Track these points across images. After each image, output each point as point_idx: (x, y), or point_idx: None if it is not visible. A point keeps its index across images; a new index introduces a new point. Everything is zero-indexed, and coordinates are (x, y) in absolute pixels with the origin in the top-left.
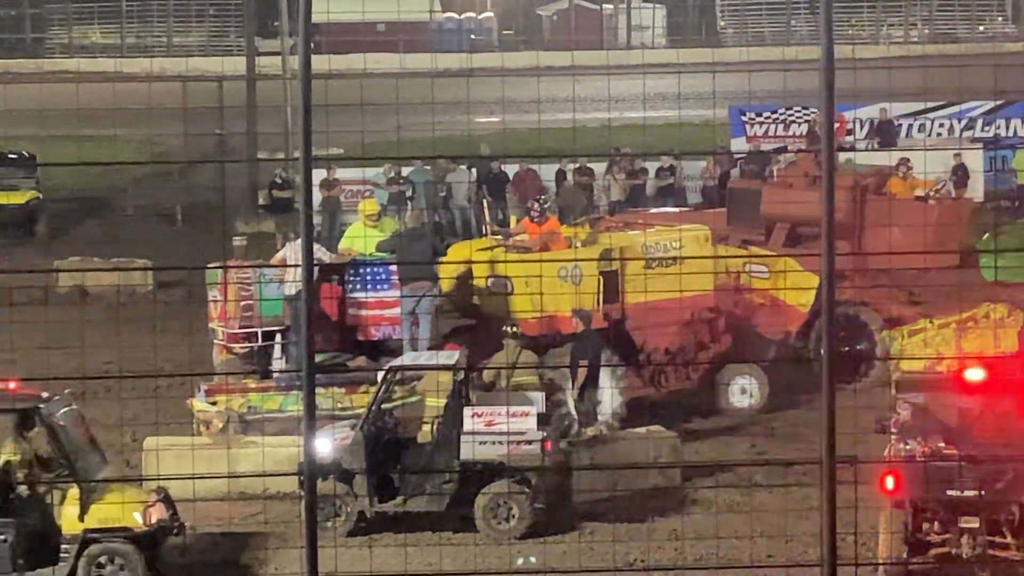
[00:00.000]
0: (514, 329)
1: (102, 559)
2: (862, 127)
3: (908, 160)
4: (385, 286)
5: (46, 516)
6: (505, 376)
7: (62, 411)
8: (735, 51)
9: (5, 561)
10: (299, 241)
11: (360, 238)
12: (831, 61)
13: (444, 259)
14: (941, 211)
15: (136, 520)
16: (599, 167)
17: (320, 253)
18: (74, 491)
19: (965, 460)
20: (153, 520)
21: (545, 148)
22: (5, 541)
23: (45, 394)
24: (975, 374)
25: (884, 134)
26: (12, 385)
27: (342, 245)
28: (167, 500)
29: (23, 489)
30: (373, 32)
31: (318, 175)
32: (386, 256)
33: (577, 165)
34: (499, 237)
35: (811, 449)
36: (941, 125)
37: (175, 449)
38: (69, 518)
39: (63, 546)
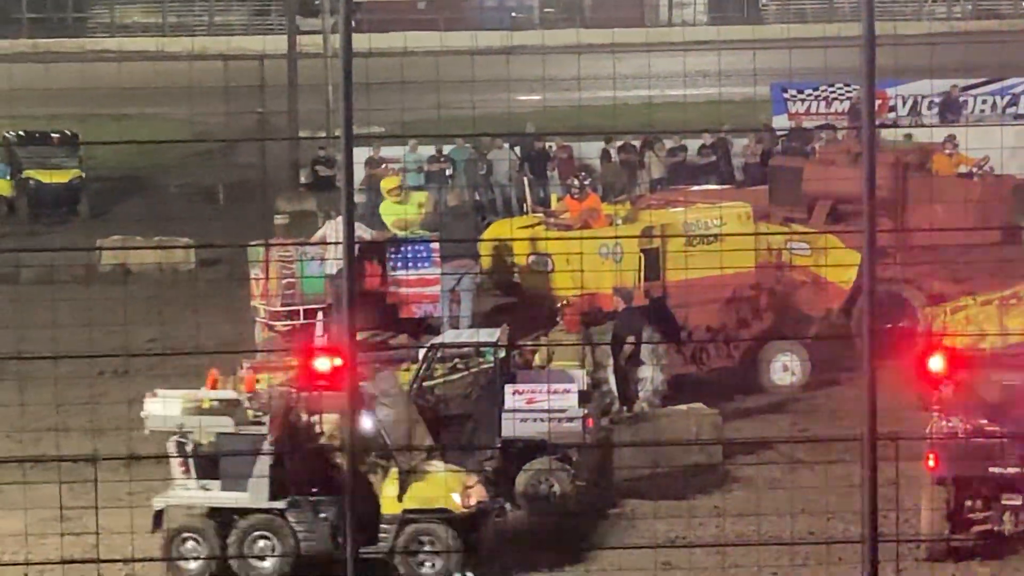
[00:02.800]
0: (567, 303)
1: (420, 539)
2: (931, 105)
3: (955, 137)
4: (426, 264)
5: (368, 495)
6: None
7: (385, 389)
8: (776, 28)
9: (326, 538)
10: (339, 219)
11: (391, 216)
12: (872, 37)
13: (484, 237)
14: (984, 188)
15: (455, 502)
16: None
17: (361, 231)
18: (395, 471)
19: (1008, 437)
20: (472, 502)
21: (586, 126)
22: (326, 519)
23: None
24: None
25: (950, 111)
26: (337, 361)
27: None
28: (488, 482)
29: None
30: (414, 10)
31: (361, 153)
32: (427, 234)
33: (621, 143)
34: (540, 215)
35: (852, 426)
36: (984, 102)
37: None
38: (389, 498)
39: (382, 525)
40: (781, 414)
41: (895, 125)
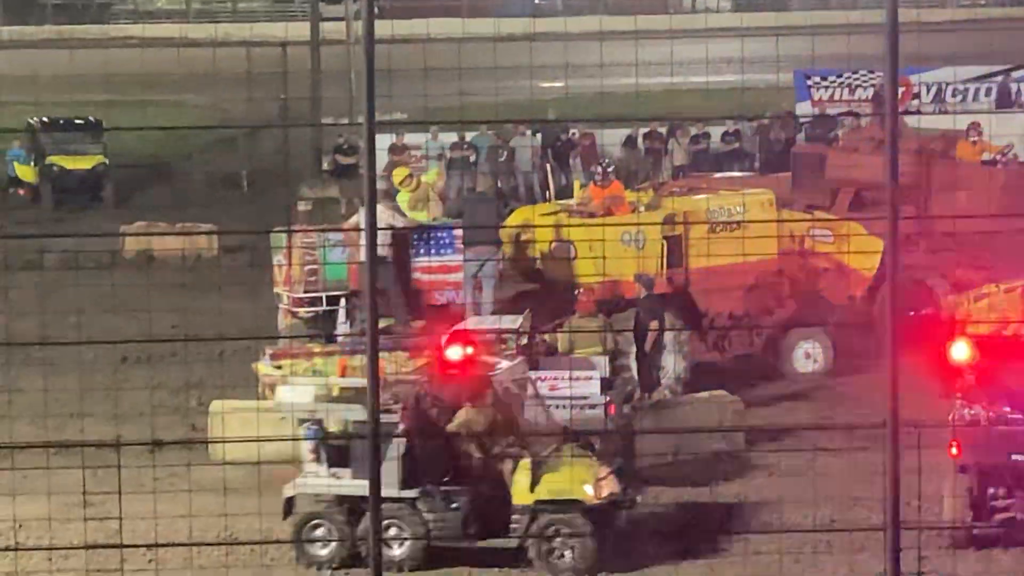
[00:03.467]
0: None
1: (551, 531)
2: (988, 92)
3: (979, 124)
4: (448, 251)
5: (499, 486)
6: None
7: (516, 378)
8: (800, 15)
9: (456, 528)
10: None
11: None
12: (896, 24)
13: (506, 223)
14: (1008, 175)
15: (586, 493)
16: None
17: (393, 219)
18: (526, 461)
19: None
20: (604, 493)
21: (609, 113)
22: (457, 509)
23: (498, 361)
24: None
25: (1002, 98)
26: (468, 351)
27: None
28: (620, 473)
29: (477, 457)
30: None
31: (384, 140)
32: (451, 221)
33: (647, 130)
34: (563, 201)
35: (875, 414)
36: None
37: (240, 413)
38: (520, 488)
39: (513, 516)
40: (803, 401)
41: (919, 112)
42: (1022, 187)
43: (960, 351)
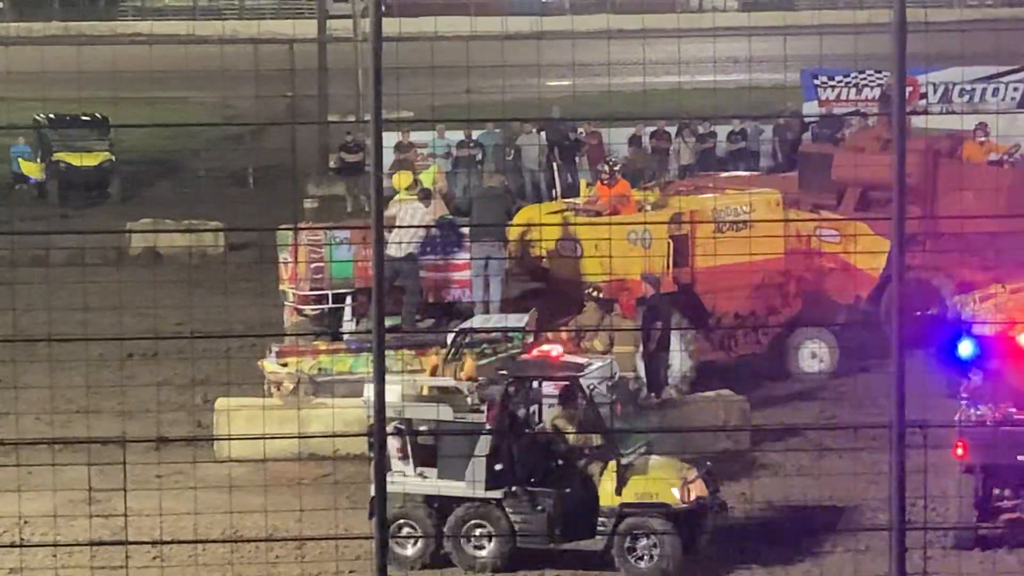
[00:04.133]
0: (597, 292)
1: (637, 534)
2: (995, 92)
3: (986, 125)
4: (455, 249)
5: (587, 488)
6: (588, 338)
7: (604, 380)
8: (807, 14)
9: (542, 531)
10: (412, 204)
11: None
12: (903, 24)
13: (512, 222)
14: (1015, 176)
15: (674, 496)
16: (670, 131)
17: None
18: (613, 463)
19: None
20: (692, 497)
21: (616, 112)
22: (543, 511)
23: (587, 362)
24: None
25: None
26: (555, 351)
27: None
28: (710, 477)
29: (565, 460)
30: None
31: (390, 138)
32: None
33: (654, 128)
34: (569, 201)
35: (881, 414)
36: (1015, 89)
37: (246, 410)
38: (607, 491)
39: (600, 519)
40: (809, 401)
41: (926, 112)
42: None
43: (966, 351)
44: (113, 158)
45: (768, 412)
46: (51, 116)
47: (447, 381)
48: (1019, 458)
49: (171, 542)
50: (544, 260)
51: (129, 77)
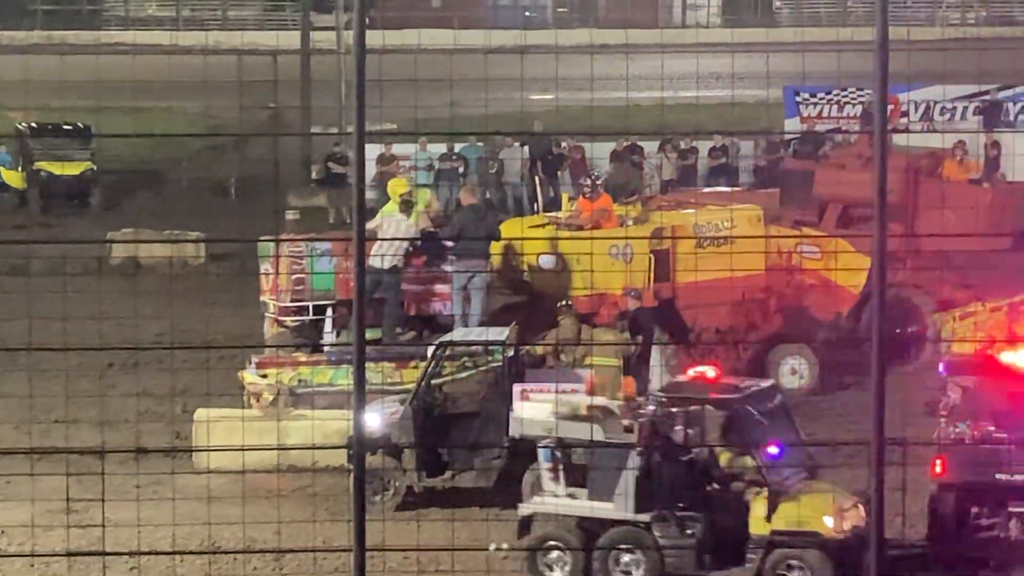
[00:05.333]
0: (568, 304)
1: (788, 564)
2: (976, 111)
3: (965, 143)
4: (438, 261)
5: (737, 514)
6: (567, 353)
7: (767, 404)
8: (790, 31)
9: (690, 557)
10: (395, 215)
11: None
12: (886, 42)
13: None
14: (995, 194)
15: (827, 525)
16: (650, 146)
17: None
18: (764, 489)
19: (1014, 444)
20: (846, 527)
21: (598, 126)
22: (692, 536)
23: (745, 384)
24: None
25: (990, 116)
26: (711, 373)
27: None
28: (867, 506)
29: (717, 485)
30: (428, 8)
31: (373, 150)
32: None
33: (629, 143)
34: (551, 215)
35: (860, 430)
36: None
37: (225, 421)
38: (757, 518)
39: (749, 547)
40: None
41: (907, 130)
42: (1009, 206)
43: (945, 369)
44: (94, 167)
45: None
46: (33, 125)
47: (600, 400)
48: (997, 476)
49: (149, 553)
50: (525, 274)
51: (112, 86)
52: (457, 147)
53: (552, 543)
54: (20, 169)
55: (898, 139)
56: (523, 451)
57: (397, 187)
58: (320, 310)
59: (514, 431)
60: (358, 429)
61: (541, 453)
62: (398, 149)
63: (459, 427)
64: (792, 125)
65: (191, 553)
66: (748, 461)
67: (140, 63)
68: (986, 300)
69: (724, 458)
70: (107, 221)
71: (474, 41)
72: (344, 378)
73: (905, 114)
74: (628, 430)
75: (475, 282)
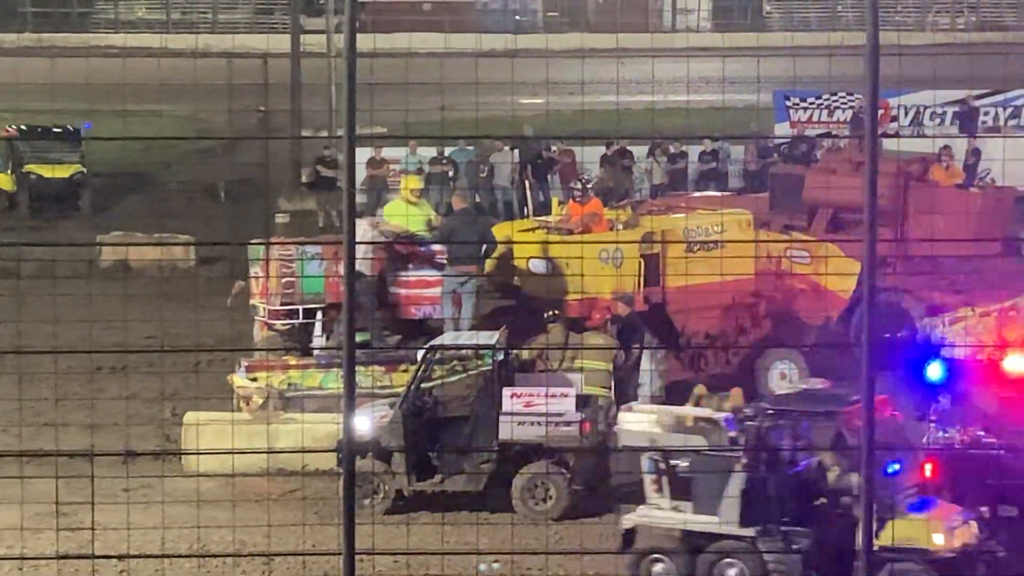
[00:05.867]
0: (555, 313)
1: None
2: (932, 116)
3: (950, 148)
4: (427, 266)
5: (845, 529)
6: (555, 358)
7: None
8: (780, 36)
9: (796, 572)
10: (367, 219)
11: (400, 216)
12: (876, 47)
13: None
14: (984, 199)
15: (936, 542)
16: (640, 150)
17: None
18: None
19: (1005, 448)
20: (956, 544)
21: (589, 130)
22: (798, 551)
23: (856, 396)
24: (1016, 363)
25: (965, 121)
26: (822, 384)
27: (380, 221)
28: (982, 522)
29: (824, 499)
30: (419, 11)
31: (363, 154)
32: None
33: (618, 147)
34: (541, 219)
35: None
36: (986, 113)
37: (215, 424)
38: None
39: (856, 563)
40: None
41: (897, 135)
42: (998, 211)
43: (935, 374)
44: (84, 170)
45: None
46: (23, 127)
47: (705, 411)
48: (987, 482)
49: (138, 556)
50: (515, 278)
51: (101, 89)
52: (447, 151)
53: (655, 555)
54: (9, 172)
55: (888, 144)
56: (512, 455)
57: (410, 182)
58: (310, 313)
59: (624, 441)
60: (348, 433)
61: (645, 464)
62: (388, 153)
63: (449, 431)
64: (782, 130)
65: (180, 556)
66: (856, 476)
67: (130, 66)
68: (976, 305)
69: (833, 472)
70: (97, 224)
71: (464, 45)
72: (334, 381)
73: (895, 119)
74: (734, 442)
75: (466, 286)
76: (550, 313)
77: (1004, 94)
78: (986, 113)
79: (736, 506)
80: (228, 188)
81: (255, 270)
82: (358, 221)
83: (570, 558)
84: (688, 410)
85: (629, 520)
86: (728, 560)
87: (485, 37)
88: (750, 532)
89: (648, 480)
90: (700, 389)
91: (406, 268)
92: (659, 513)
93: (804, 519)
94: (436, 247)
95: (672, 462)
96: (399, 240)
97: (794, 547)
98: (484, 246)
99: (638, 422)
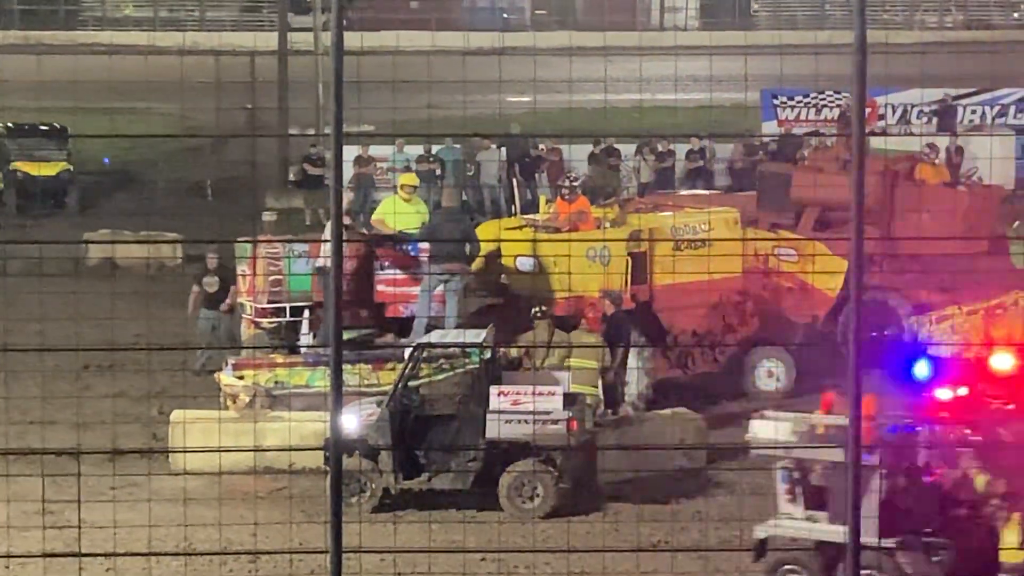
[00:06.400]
0: (542, 310)
1: None
2: (919, 115)
3: (935, 145)
4: (403, 267)
5: (989, 540)
6: (539, 356)
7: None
8: (768, 34)
9: None
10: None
11: (392, 214)
12: (864, 45)
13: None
14: (971, 198)
15: None
16: (628, 148)
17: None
18: (1017, 516)
19: (991, 446)
20: None
21: (576, 129)
22: (940, 562)
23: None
24: (1002, 362)
25: (945, 118)
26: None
27: (374, 218)
28: None
29: (966, 510)
30: (406, 9)
31: (350, 152)
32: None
33: (605, 146)
34: (528, 217)
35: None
36: (973, 112)
37: (202, 422)
38: (1009, 545)
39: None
40: None
41: (884, 133)
42: (985, 209)
43: (922, 373)
44: (71, 168)
45: (724, 430)
46: (9, 125)
47: (840, 420)
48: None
49: (125, 554)
50: (503, 276)
51: (89, 87)
52: (434, 149)
53: (789, 568)
54: None
55: (875, 142)
56: (498, 454)
57: (405, 179)
58: (297, 312)
59: (757, 450)
60: (335, 431)
61: (778, 474)
62: (375, 151)
63: (436, 429)
64: (769, 128)
65: (167, 555)
66: (1002, 485)
67: (117, 64)
68: (963, 304)
69: (980, 481)
70: (84, 222)
71: (452, 43)
72: (321, 380)
73: (883, 117)
74: (870, 451)
75: (451, 284)
76: (537, 310)
77: (991, 92)
78: (973, 112)
79: (874, 517)
80: (215, 186)
81: (242, 268)
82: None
83: (557, 556)
84: (823, 418)
85: (762, 530)
86: (866, 571)
87: (473, 35)
88: (889, 543)
89: (781, 490)
90: (830, 396)
91: (382, 267)
92: (792, 524)
93: (945, 529)
94: (423, 244)
95: (806, 471)
96: (384, 238)
97: (934, 559)
98: (468, 245)
99: (771, 430)
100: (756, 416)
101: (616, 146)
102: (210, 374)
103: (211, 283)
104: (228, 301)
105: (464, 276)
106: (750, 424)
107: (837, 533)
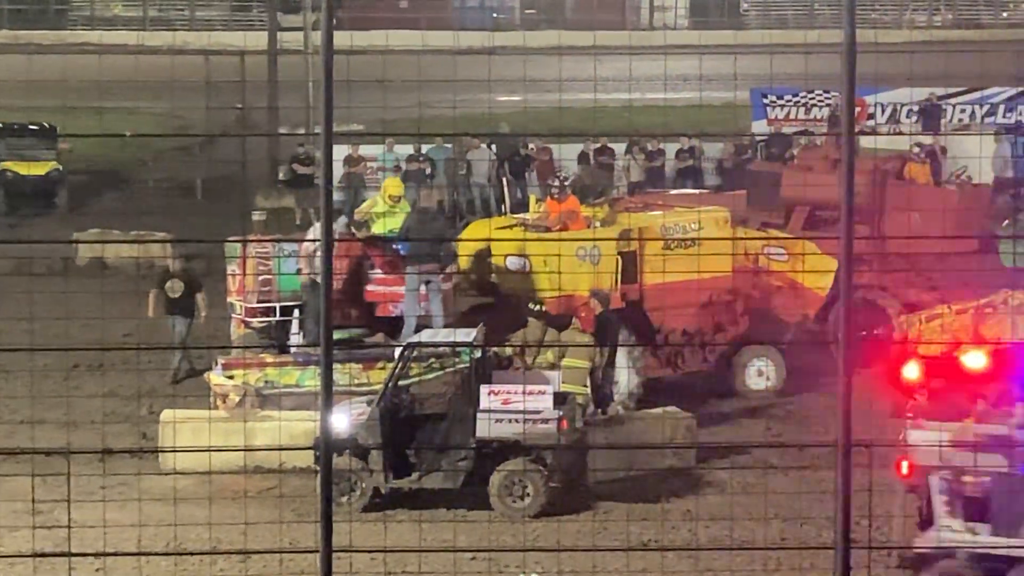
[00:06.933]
0: (539, 308)
1: None
2: (909, 114)
3: (922, 144)
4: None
5: None
6: (531, 354)
7: None
8: (757, 33)
9: None
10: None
11: (377, 213)
12: (853, 45)
13: (463, 237)
14: (960, 197)
15: None
16: (618, 147)
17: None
18: None
19: (980, 446)
20: None
21: (566, 128)
22: None
23: None
24: (975, 360)
25: (930, 118)
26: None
27: (358, 211)
28: None
29: None
30: (396, 9)
31: (340, 151)
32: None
33: (598, 145)
34: (518, 217)
35: (826, 432)
36: (963, 111)
37: (192, 422)
38: None
39: None
40: (755, 419)
41: (874, 132)
42: (975, 208)
43: (911, 372)
44: (60, 167)
45: (714, 429)
46: None
47: (999, 428)
48: (964, 478)
49: (114, 554)
50: (493, 275)
51: (78, 86)
52: (424, 148)
53: None
54: None
55: (865, 141)
56: (490, 452)
57: (390, 187)
58: (287, 311)
59: (917, 460)
60: (325, 430)
61: (935, 484)
62: (365, 150)
63: (426, 428)
64: (759, 127)
65: (157, 554)
66: None
67: (106, 63)
68: (952, 303)
69: None
70: (73, 221)
71: (442, 42)
72: (311, 379)
73: (872, 116)
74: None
75: (432, 284)
76: (535, 307)
77: (980, 91)
78: (962, 111)
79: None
80: (205, 185)
81: (232, 268)
82: (315, 226)
83: (547, 555)
84: (983, 427)
85: (922, 542)
86: None
87: (462, 34)
88: None
89: (939, 501)
90: (982, 404)
91: (372, 267)
92: (953, 536)
93: None
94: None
95: (963, 481)
96: (371, 238)
97: None
98: (443, 245)
99: (931, 440)
100: (914, 425)
101: (607, 145)
102: (186, 379)
103: (174, 288)
104: (204, 313)
105: (443, 274)
106: (908, 434)
107: (1002, 545)
